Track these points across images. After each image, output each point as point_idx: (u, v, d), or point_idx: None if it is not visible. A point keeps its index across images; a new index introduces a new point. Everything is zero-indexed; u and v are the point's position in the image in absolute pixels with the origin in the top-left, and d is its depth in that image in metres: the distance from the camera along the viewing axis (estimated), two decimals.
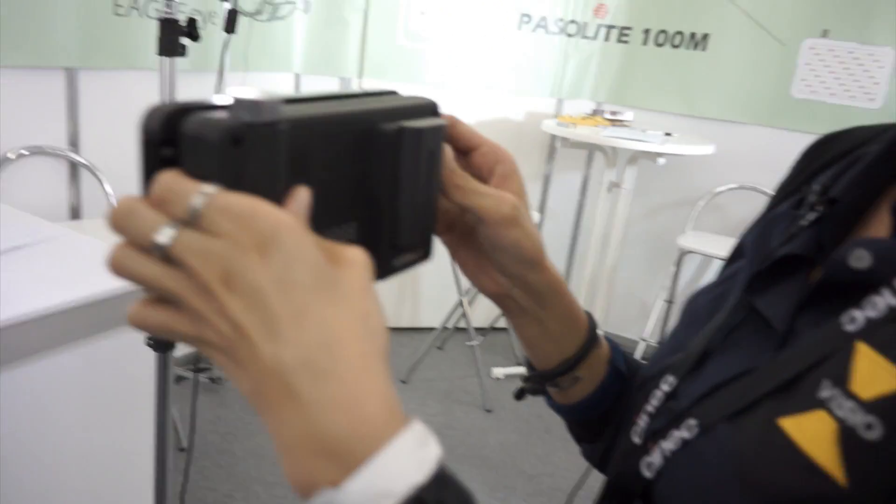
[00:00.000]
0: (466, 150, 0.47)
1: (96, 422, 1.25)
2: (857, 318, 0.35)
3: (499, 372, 2.82)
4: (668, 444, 0.41)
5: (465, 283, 2.68)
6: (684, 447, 0.40)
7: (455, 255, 0.49)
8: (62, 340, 1.16)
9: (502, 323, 3.07)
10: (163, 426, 1.36)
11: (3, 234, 1.39)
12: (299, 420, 0.29)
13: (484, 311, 3.02)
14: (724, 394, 0.40)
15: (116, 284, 1.22)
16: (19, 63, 1.93)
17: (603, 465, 0.58)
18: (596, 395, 0.54)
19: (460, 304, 2.69)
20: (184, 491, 1.77)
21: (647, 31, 2.92)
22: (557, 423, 0.63)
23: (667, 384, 0.45)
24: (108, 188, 2.12)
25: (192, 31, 1.18)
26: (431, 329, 2.90)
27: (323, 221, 0.35)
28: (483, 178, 0.46)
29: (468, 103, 2.95)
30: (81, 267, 1.30)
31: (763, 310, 0.42)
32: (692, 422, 0.40)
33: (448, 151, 0.44)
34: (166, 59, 1.22)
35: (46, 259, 1.34)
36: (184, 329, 0.30)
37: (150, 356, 1.31)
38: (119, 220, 0.30)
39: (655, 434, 0.43)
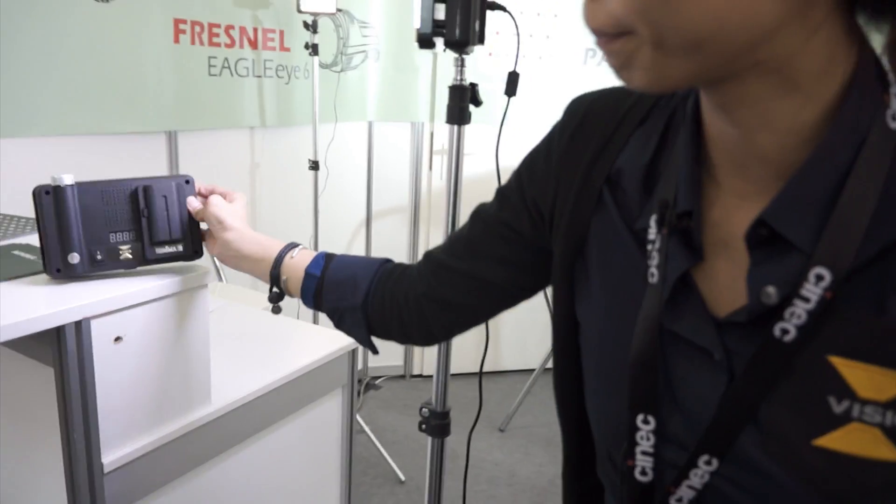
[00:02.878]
0: (209, 193, 0.86)
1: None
2: (788, 329, 0.39)
3: None
4: (695, 481, 0.44)
5: None
6: (714, 477, 0.43)
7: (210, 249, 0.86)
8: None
9: None
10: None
11: None
12: None
13: None
14: (722, 426, 0.42)
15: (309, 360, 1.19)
16: (126, 130, 1.94)
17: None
18: (302, 293, 0.76)
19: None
20: None
21: None
22: None
23: (647, 424, 0.46)
24: None
25: (475, 96, 1.20)
26: (512, 371, 2.84)
27: (113, 229, 0.80)
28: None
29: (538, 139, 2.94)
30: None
31: (693, 338, 0.45)
32: (713, 461, 0.43)
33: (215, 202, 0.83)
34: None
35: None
36: None
37: (337, 423, 1.28)
38: None
39: (678, 477, 0.45)
